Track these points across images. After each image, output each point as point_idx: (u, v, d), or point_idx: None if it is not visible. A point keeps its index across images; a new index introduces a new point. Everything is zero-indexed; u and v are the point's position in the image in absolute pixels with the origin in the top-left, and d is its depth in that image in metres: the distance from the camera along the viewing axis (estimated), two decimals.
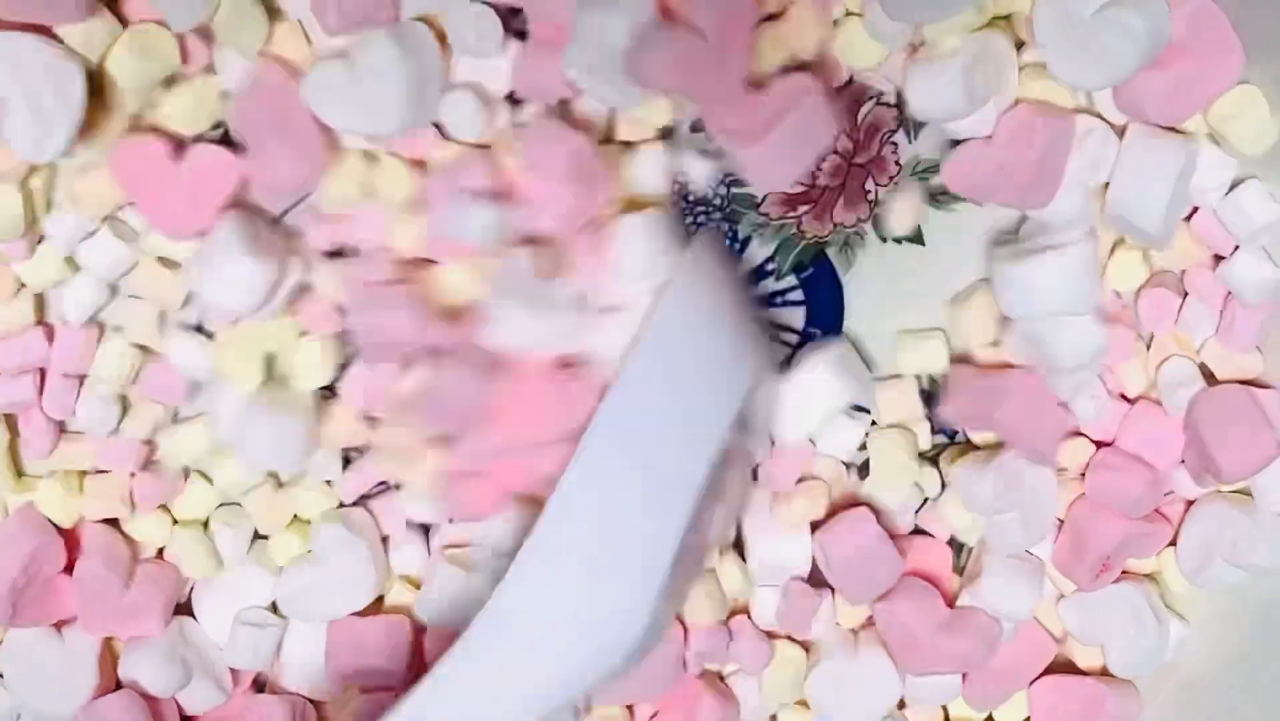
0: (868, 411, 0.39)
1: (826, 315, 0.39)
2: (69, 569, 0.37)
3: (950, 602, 0.39)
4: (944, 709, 0.41)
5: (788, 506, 0.38)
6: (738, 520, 0.39)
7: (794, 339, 0.39)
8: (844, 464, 0.39)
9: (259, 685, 0.39)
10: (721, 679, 0.40)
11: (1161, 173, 0.35)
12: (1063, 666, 0.41)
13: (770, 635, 0.39)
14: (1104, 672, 0.41)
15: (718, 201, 0.37)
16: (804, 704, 0.40)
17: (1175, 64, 0.35)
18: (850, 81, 0.37)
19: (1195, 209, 0.37)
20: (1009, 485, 0.37)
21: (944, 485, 0.39)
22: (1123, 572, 0.39)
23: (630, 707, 0.40)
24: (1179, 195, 0.36)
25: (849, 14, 0.35)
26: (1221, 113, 0.36)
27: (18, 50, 0.32)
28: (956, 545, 0.40)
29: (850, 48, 0.35)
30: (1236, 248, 0.37)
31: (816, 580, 0.39)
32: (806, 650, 0.40)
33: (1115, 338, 0.38)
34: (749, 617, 0.39)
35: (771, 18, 0.35)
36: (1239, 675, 0.39)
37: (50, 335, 0.36)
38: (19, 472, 0.37)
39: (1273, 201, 0.36)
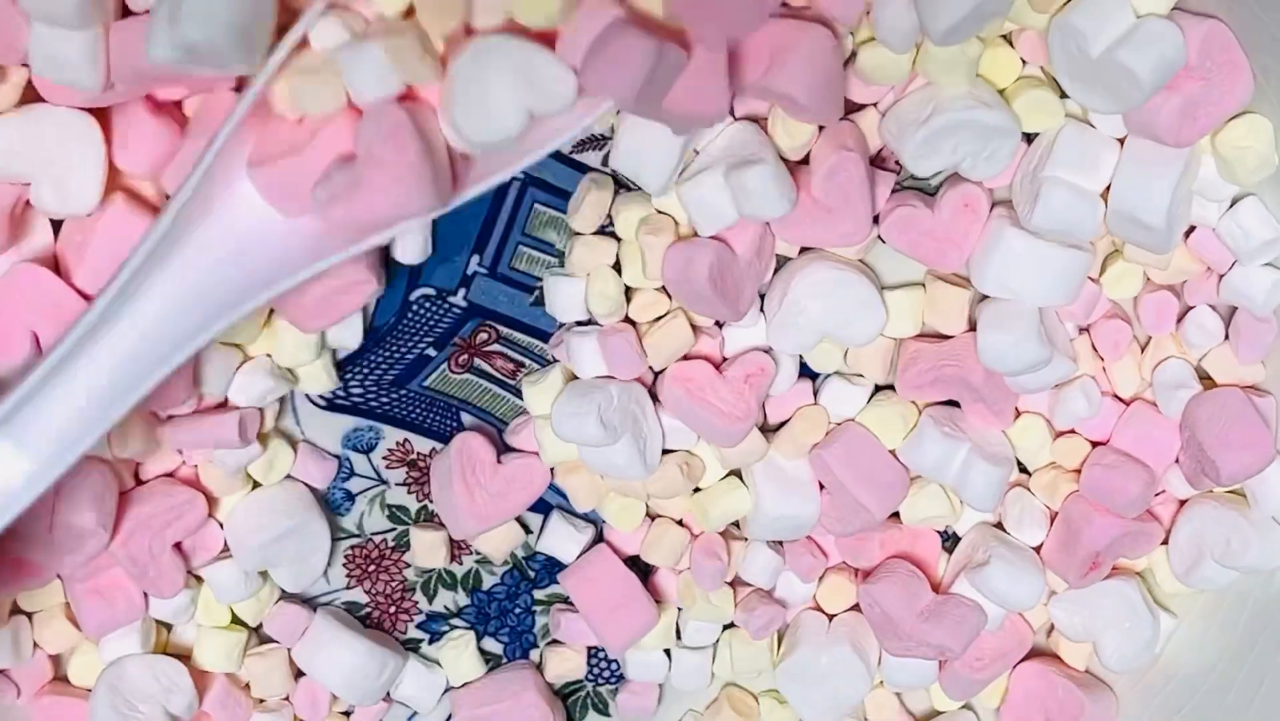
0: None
1: None
2: None
3: (936, 588, 0.40)
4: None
5: (788, 433, 0.38)
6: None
7: None
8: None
9: None
10: None
11: (1165, 168, 0.35)
12: (1047, 657, 0.42)
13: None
14: (1087, 671, 0.42)
15: None
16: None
17: (1185, 86, 0.34)
18: None
19: (1193, 227, 0.38)
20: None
21: None
22: (1114, 568, 0.40)
23: None
24: (1182, 191, 0.36)
25: (866, 41, 0.35)
26: (1227, 140, 0.36)
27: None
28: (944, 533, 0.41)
29: (876, 69, 0.35)
30: (1234, 264, 0.38)
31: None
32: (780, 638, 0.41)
33: (1107, 338, 0.39)
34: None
35: None
36: (1230, 673, 0.40)
37: None
38: None
39: (1273, 218, 0.37)
